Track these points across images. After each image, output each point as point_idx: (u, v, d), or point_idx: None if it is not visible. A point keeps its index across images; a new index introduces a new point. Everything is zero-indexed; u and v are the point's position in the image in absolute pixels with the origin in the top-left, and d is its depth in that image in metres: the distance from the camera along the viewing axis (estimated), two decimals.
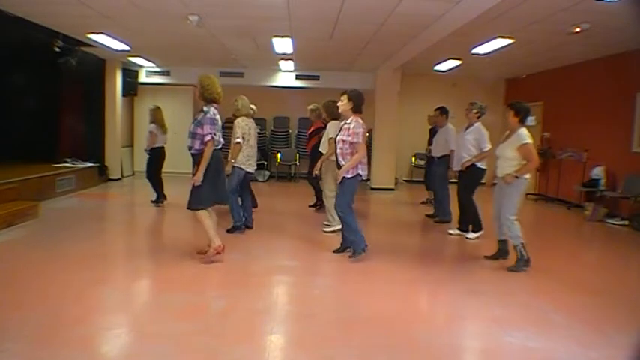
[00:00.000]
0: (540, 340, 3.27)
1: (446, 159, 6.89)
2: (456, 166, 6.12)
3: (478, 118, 5.96)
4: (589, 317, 3.70)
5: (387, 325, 3.45)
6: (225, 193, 4.85)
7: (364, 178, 4.99)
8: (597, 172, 7.99)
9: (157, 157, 7.57)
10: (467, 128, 6.00)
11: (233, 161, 5.76)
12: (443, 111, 7.18)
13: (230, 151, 5.82)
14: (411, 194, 10.27)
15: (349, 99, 4.77)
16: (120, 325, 3.36)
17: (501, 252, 5.05)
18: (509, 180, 4.63)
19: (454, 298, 4.10)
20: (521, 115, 4.72)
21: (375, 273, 4.54)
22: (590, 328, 3.50)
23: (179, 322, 3.33)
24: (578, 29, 6.15)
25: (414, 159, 11.94)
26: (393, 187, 10.78)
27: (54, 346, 2.91)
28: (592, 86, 8.52)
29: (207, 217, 4.57)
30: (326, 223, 6.27)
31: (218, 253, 4.59)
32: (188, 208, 4.54)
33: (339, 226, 5.92)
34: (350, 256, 4.89)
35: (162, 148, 7.61)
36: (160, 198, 7.61)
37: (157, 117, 7.52)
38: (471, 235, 6.03)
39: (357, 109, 4.80)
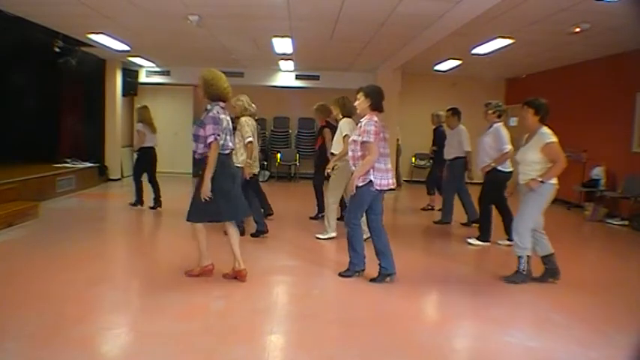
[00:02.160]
0: (540, 340, 3.27)
1: (460, 161, 6.70)
2: (478, 170, 5.81)
3: (498, 117, 5.70)
4: (589, 317, 3.70)
5: (387, 325, 3.45)
6: (245, 205, 4.30)
7: (385, 188, 4.33)
8: (597, 172, 7.99)
9: (146, 157, 7.31)
10: (488, 129, 5.76)
11: (249, 161, 5.50)
12: (455, 112, 6.90)
13: (246, 152, 5.53)
14: (412, 194, 10.27)
15: (366, 95, 4.16)
16: (120, 325, 3.36)
17: (550, 271, 4.43)
18: (534, 185, 4.14)
19: (454, 299, 4.10)
20: (542, 113, 4.25)
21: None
22: (590, 328, 3.49)
23: (179, 322, 3.33)
24: (578, 29, 6.15)
25: (414, 159, 11.93)
26: (393, 187, 10.75)
27: (54, 346, 2.91)
28: (592, 86, 8.51)
29: (204, 232, 4.18)
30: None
31: (205, 273, 4.24)
32: (187, 220, 4.09)
33: (334, 234, 5.73)
34: (340, 273, 4.41)
35: (153, 148, 7.31)
36: (139, 202, 7.39)
37: (144, 116, 7.30)
38: (474, 241, 5.78)
39: (375, 107, 4.16)
